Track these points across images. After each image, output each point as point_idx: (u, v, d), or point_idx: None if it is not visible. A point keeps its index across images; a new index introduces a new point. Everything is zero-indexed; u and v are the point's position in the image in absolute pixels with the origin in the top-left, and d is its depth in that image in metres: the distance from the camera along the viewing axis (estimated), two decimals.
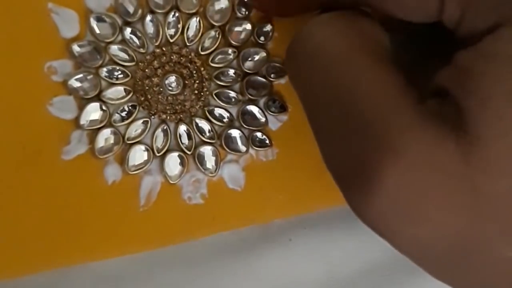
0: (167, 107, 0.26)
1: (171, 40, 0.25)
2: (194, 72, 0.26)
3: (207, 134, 0.26)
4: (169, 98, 0.26)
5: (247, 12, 0.26)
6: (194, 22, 0.25)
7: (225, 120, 0.26)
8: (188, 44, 0.25)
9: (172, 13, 0.25)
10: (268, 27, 0.26)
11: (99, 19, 0.24)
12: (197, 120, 0.26)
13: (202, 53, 0.26)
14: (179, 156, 0.26)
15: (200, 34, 0.25)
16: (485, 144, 0.14)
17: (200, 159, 0.26)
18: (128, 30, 0.25)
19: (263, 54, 0.26)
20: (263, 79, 0.26)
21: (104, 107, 0.25)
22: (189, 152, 0.26)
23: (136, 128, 0.25)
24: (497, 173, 0.14)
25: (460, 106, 0.15)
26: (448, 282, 0.18)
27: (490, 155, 0.14)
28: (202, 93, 0.26)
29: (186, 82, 0.26)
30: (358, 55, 0.17)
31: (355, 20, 0.18)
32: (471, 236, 0.15)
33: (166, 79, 0.25)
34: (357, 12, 0.19)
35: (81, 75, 0.24)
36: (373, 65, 0.17)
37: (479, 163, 0.14)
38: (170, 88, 0.25)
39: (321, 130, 0.18)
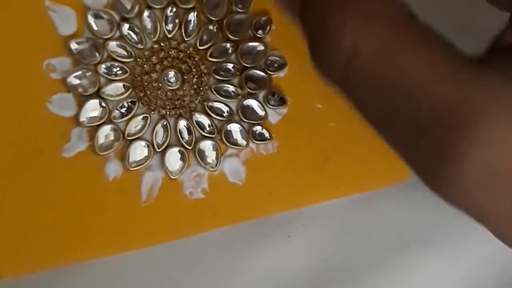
0: (167, 103, 0.26)
1: (169, 36, 0.25)
2: (193, 67, 0.26)
3: (207, 128, 0.26)
4: (168, 93, 0.26)
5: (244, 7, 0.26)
6: (191, 17, 0.25)
7: (225, 114, 0.26)
8: (186, 39, 0.25)
9: (170, 8, 0.25)
10: (266, 21, 0.26)
11: (97, 16, 0.24)
12: (197, 115, 0.26)
13: (200, 47, 0.26)
14: (180, 151, 0.26)
15: (198, 29, 0.25)
16: None
17: (201, 154, 0.26)
18: (126, 26, 0.25)
19: (261, 47, 0.26)
20: (262, 73, 0.26)
21: (103, 104, 0.25)
22: (189, 147, 0.26)
23: (136, 124, 0.25)
24: None
25: None
26: None
27: None
28: (201, 88, 0.26)
29: (185, 77, 0.26)
30: (394, 46, 0.15)
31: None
32: None
33: (165, 74, 0.25)
34: None
35: (79, 72, 0.24)
36: (414, 49, 0.15)
37: None
38: (169, 84, 0.25)
39: (392, 135, 0.17)
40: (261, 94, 0.27)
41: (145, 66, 0.25)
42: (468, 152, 0.14)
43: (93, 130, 0.25)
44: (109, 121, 0.25)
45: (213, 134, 0.26)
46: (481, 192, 0.15)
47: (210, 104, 0.26)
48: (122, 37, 0.25)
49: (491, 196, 0.15)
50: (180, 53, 0.26)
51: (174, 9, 0.25)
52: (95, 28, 0.24)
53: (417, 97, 0.15)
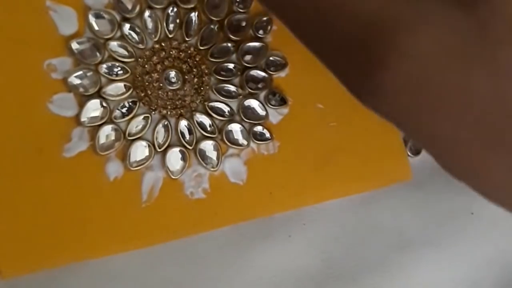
0: (168, 103, 0.26)
1: (170, 36, 0.25)
2: (194, 67, 0.26)
3: (208, 128, 0.26)
4: (169, 93, 0.26)
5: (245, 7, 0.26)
6: (192, 16, 0.25)
7: (226, 114, 0.26)
8: (187, 39, 0.25)
9: (171, 8, 0.25)
10: (266, 21, 0.26)
11: (98, 16, 0.24)
12: (198, 115, 0.26)
13: (201, 47, 0.26)
14: (181, 151, 0.26)
15: (199, 29, 0.25)
16: (498, 15, 0.14)
17: (202, 154, 0.26)
18: (127, 26, 0.25)
19: (262, 47, 0.26)
20: (263, 73, 0.26)
21: (104, 104, 0.25)
22: (190, 147, 0.26)
23: (137, 124, 0.25)
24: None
25: None
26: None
27: (504, 25, 0.14)
28: (202, 88, 0.26)
29: (186, 77, 0.26)
30: None
31: None
32: (497, 103, 0.15)
33: (166, 74, 0.25)
34: None
35: (80, 72, 0.24)
36: None
37: (493, 34, 0.14)
38: (170, 83, 0.25)
39: (322, 48, 0.17)
40: (262, 94, 0.27)
41: (146, 66, 0.25)
42: (392, 61, 0.15)
43: (94, 130, 0.25)
44: (110, 121, 0.25)
45: (214, 134, 0.26)
46: (403, 102, 0.15)
47: (211, 104, 0.26)
48: (123, 37, 0.25)
49: (412, 105, 0.15)
50: (181, 53, 0.26)
51: (175, 9, 0.25)
52: (96, 28, 0.24)
53: (350, 4, 0.15)
